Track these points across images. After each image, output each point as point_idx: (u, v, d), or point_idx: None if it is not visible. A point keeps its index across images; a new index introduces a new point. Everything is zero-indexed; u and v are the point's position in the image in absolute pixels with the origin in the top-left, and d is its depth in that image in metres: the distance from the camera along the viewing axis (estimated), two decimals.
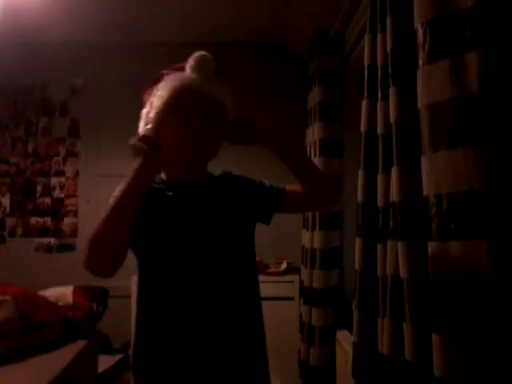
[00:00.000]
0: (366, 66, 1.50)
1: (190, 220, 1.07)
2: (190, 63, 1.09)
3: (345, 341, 2.14)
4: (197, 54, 1.10)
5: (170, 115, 1.07)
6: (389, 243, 1.28)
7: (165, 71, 1.14)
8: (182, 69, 1.12)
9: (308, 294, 2.42)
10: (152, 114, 1.10)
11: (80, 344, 1.63)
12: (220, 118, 1.09)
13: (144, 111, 1.14)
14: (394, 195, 1.21)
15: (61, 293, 1.81)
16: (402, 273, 1.16)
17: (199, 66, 1.08)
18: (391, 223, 1.24)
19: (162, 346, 1.04)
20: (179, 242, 1.06)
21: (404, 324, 1.16)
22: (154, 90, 1.10)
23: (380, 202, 1.35)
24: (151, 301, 1.10)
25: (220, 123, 1.09)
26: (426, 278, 1.05)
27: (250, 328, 1.09)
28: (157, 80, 1.14)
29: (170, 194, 1.10)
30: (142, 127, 1.13)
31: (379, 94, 1.35)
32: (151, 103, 1.11)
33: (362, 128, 1.49)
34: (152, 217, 1.05)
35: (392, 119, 1.22)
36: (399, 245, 1.18)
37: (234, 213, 1.11)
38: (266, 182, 1.21)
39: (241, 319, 1.06)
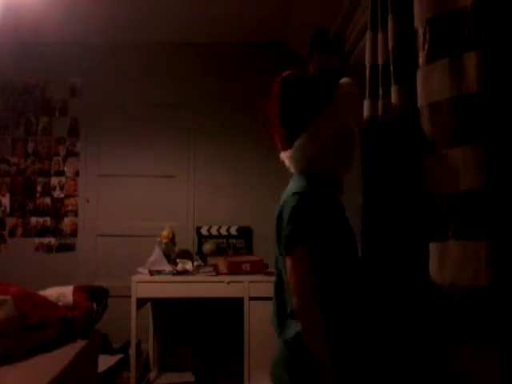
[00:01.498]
0: (367, 65, 1.50)
1: (348, 224, 1.26)
2: (352, 90, 1.20)
3: None
4: (352, 82, 1.22)
5: (346, 131, 1.22)
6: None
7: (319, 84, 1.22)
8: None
9: None
10: (332, 130, 1.20)
11: (80, 344, 1.63)
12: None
13: (320, 124, 1.19)
14: (395, 193, 1.21)
15: (61, 293, 1.81)
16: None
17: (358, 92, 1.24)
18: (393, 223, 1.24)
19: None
20: (346, 242, 1.21)
21: None
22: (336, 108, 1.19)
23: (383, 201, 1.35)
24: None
25: None
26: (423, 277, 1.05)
27: None
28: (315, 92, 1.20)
29: (333, 199, 1.26)
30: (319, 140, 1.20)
31: (380, 92, 1.35)
32: (331, 118, 1.18)
33: (364, 126, 1.49)
34: (332, 220, 1.18)
35: (394, 117, 1.22)
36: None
37: None
38: None
39: None
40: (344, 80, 1.23)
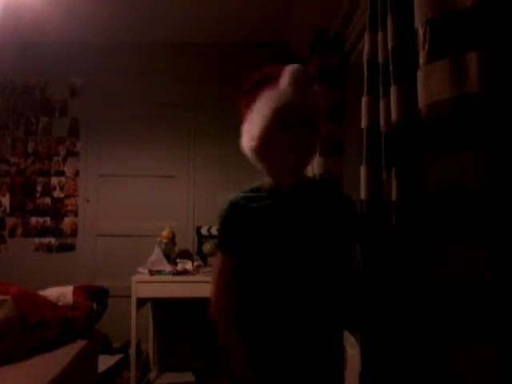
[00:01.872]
0: (365, 63, 1.50)
1: (287, 229, 1.14)
2: (286, 78, 1.12)
3: (345, 341, 2.14)
4: (291, 68, 1.13)
5: (272, 130, 1.13)
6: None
7: (257, 83, 1.17)
8: (275, 77, 1.14)
9: None
10: (254, 132, 1.16)
11: (80, 344, 1.63)
12: (317, 124, 1.17)
13: (245, 127, 1.19)
14: (393, 195, 1.21)
15: (61, 293, 1.81)
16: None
17: (295, 80, 1.12)
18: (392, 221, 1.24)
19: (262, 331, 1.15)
20: (277, 248, 1.13)
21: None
22: (253, 105, 1.15)
23: (385, 200, 1.35)
24: (253, 302, 1.16)
25: (317, 130, 1.17)
26: (426, 277, 1.05)
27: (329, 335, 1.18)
28: (250, 92, 1.18)
29: (270, 201, 1.18)
30: (246, 142, 1.19)
31: (380, 92, 1.35)
32: (251, 120, 1.16)
33: (363, 125, 1.49)
34: (253, 225, 1.16)
35: (393, 118, 1.22)
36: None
37: (329, 225, 1.16)
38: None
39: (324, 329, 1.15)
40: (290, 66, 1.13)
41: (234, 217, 1.19)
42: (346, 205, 1.23)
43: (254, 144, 1.17)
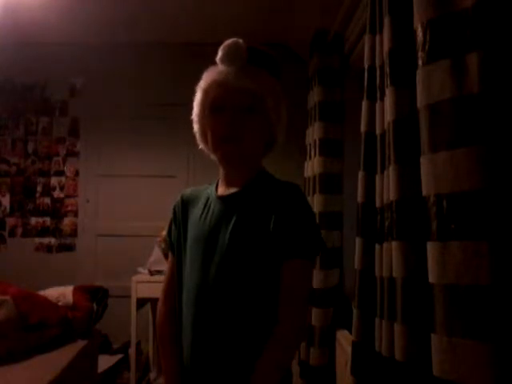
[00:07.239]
0: (365, 67, 1.50)
1: (207, 236, 1.04)
2: (218, 54, 1.01)
3: (345, 341, 2.14)
4: (226, 42, 1.02)
5: (204, 113, 1.05)
6: (384, 245, 1.28)
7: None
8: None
9: None
10: (193, 114, 1.09)
11: (80, 344, 1.63)
12: (257, 110, 1.00)
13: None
14: (391, 194, 1.21)
15: (61, 293, 1.81)
16: (396, 272, 1.16)
17: (228, 56, 1.01)
18: (387, 223, 1.24)
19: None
20: (192, 254, 1.07)
21: (395, 324, 1.16)
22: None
23: (378, 203, 1.35)
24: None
25: (258, 116, 1.01)
26: (420, 278, 1.05)
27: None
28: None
29: (204, 203, 1.11)
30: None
31: (378, 95, 1.35)
32: (194, 101, 1.08)
33: (362, 129, 1.49)
34: (187, 222, 1.12)
35: (389, 118, 1.22)
36: (394, 244, 1.18)
37: (252, 242, 0.98)
38: (298, 230, 0.99)
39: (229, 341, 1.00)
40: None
41: (178, 214, 1.15)
42: (279, 220, 0.97)
43: (195, 129, 1.08)
